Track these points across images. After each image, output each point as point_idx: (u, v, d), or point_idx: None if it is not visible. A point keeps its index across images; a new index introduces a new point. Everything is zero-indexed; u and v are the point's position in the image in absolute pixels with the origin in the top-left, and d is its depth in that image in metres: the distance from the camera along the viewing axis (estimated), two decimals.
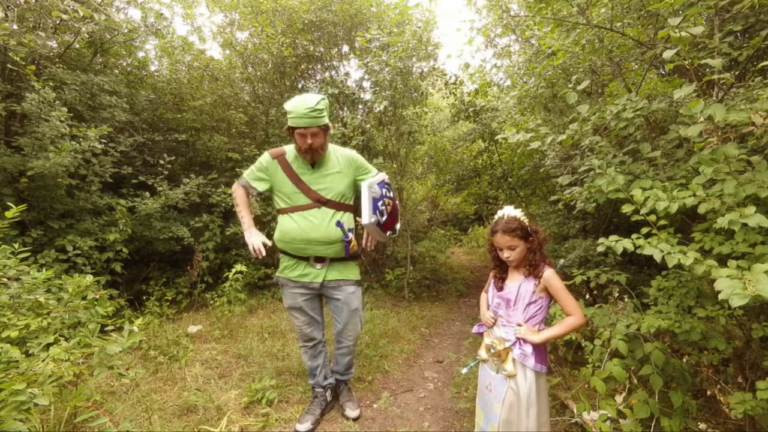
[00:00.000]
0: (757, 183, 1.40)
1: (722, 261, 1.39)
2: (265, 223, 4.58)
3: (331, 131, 2.30)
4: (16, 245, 2.17)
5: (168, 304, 4.04)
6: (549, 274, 1.62)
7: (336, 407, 2.45)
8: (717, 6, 1.74)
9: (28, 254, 2.39)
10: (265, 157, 2.14)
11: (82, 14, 3.43)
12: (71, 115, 3.44)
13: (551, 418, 2.11)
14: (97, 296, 2.24)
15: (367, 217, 1.95)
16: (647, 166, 1.95)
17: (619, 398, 2.02)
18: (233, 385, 2.69)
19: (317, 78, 5.78)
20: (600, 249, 1.62)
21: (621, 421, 1.88)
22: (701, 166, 1.54)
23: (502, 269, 1.77)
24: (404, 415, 2.46)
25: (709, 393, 2.21)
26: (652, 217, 1.57)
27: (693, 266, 1.37)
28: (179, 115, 4.82)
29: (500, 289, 1.75)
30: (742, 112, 1.45)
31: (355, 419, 2.35)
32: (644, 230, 1.63)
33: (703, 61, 1.63)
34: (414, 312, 4.52)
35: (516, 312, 1.68)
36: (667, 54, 1.60)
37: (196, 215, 4.46)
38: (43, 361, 1.57)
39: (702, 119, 1.52)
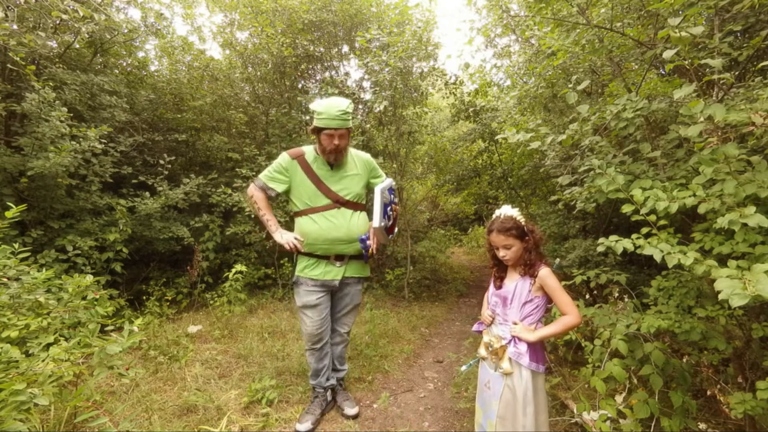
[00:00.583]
0: (757, 183, 1.39)
1: (722, 261, 1.38)
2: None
3: None
4: (16, 245, 2.17)
5: (168, 304, 4.04)
6: (544, 273, 1.62)
7: (335, 407, 2.46)
8: (717, 6, 1.74)
9: (28, 254, 2.39)
10: (283, 158, 2.15)
11: (82, 14, 3.43)
12: (71, 115, 3.44)
13: (551, 418, 2.11)
14: (97, 296, 2.24)
15: (377, 221, 2.10)
16: (647, 166, 1.95)
17: (619, 398, 2.01)
18: (233, 385, 2.69)
19: (317, 78, 5.78)
20: (600, 249, 1.62)
21: (621, 421, 1.88)
22: (701, 166, 1.54)
23: (501, 268, 1.78)
24: (404, 415, 2.46)
25: (709, 393, 2.21)
26: (652, 217, 1.57)
27: (693, 266, 1.37)
28: (179, 115, 4.83)
29: (499, 287, 1.75)
30: (742, 112, 1.45)
31: (354, 417, 2.36)
32: (644, 230, 1.63)
33: (703, 61, 1.63)
34: (414, 312, 4.51)
35: (512, 310, 1.68)
36: (667, 54, 1.60)
37: (196, 215, 4.46)
38: (43, 361, 1.57)
39: (702, 119, 1.51)
